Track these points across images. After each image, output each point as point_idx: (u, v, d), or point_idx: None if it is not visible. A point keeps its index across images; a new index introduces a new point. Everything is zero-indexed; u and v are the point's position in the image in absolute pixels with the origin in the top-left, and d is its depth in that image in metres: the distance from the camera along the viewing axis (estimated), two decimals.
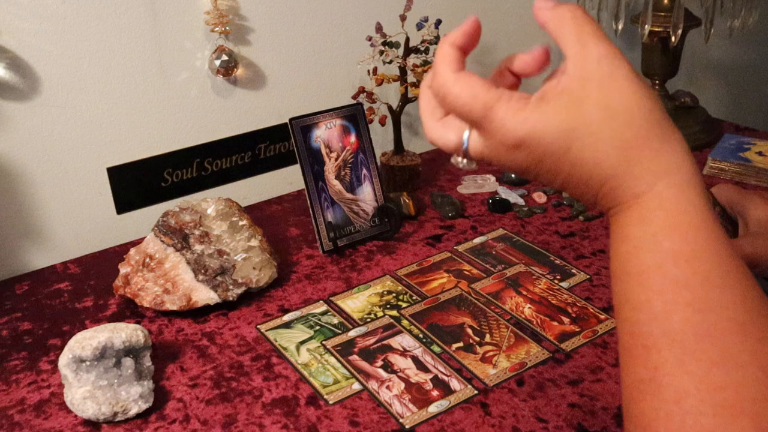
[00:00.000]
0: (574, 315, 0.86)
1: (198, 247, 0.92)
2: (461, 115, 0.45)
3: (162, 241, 0.92)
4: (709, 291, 0.38)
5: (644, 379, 0.39)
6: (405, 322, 0.86)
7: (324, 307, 0.90)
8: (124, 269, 0.91)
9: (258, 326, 0.86)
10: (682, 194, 0.40)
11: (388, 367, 0.79)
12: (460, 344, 0.82)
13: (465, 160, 0.48)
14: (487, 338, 0.83)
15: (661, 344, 0.38)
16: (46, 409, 0.75)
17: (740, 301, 0.38)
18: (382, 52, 1.10)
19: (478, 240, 1.04)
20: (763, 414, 0.36)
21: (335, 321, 0.87)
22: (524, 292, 0.91)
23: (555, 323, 0.85)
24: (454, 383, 0.76)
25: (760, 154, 1.20)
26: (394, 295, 0.92)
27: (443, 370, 0.78)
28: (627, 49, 1.56)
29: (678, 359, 0.38)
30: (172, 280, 0.89)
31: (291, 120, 1.00)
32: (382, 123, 1.16)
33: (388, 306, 0.89)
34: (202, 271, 0.89)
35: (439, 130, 0.48)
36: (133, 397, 0.73)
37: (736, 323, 0.38)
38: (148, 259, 0.91)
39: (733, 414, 0.36)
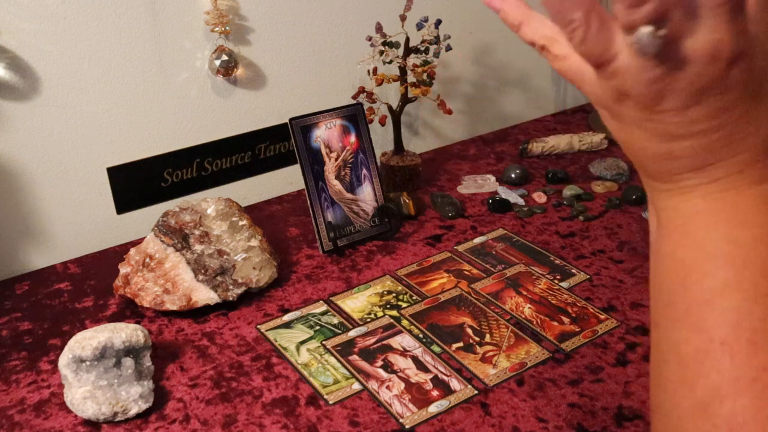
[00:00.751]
0: (574, 315, 0.86)
1: (198, 247, 0.92)
2: None
3: (162, 241, 0.92)
4: None
5: (744, 377, 0.36)
6: (405, 322, 0.86)
7: (324, 307, 0.90)
8: (124, 269, 0.91)
9: (258, 326, 0.86)
10: None
11: (388, 367, 0.79)
12: (460, 344, 0.82)
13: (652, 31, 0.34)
14: (487, 338, 0.83)
15: None
16: (46, 409, 0.75)
17: None
18: (382, 52, 1.10)
19: (478, 240, 1.04)
20: None
21: (335, 321, 0.87)
22: (524, 292, 0.91)
23: (555, 323, 0.85)
24: (454, 383, 0.76)
25: None
26: (394, 295, 0.92)
27: (443, 370, 0.78)
28: None
29: None
30: (172, 280, 0.89)
31: (291, 120, 1.00)
32: (382, 123, 1.16)
33: (388, 306, 0.89)
34: (202, 271, 0.89)
35: None
36: (133, 397, 0.73)
37: None
38: (148, 259, 0.91)
39: None
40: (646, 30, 0.33)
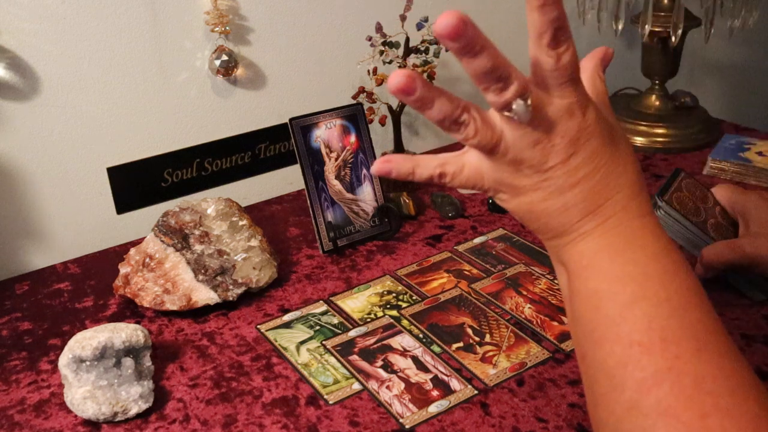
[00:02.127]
0: None
1: (198, 247, 0.92)
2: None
3: (162, 241, 0.92)
4: (705, 297, 0.46)
5: (662, 368, 0.42)
6: (405, 322, 0.86)
7: (324, 307, 0.90)
8: (124, 269, 0.91)
9: (258, 326, 0.86)
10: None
11: (388, 367, 0.79)
12: (460, 344, 0.82)
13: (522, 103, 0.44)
14: (487, 338, 0.83)
15: (681, 336, 0.43)
16: (46, 409, 0.75)
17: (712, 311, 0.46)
18: (382, 52, 1.10)
19: (478, 240, 1.04)
20: (765, 396, 0.42)
21: (335, 321, 0.87)
22: (524, 292, 0.91)
23: (555, 323, 0.85)
24: (454, 383, 0.76)
25: (760, 154, 1.20)
26: (394, 295, 0.92)
27: (443, 370, 0.78)
28: (627, 49, 1.56)
29: (695, 348, 0.42)
30: (172, 280, 0.89)
31: (291, 120, 1.00)
32: (382, 123, 1.16)
33: (388, 306, 0.89)
34: (202, 271, 0.89)
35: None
36: (133, 397, 0.73)
37: (720, 325, 0.45)
38: (148, 259, 0.91)
39: (744, 395, 0.41)
40: (519, 103, 0.44)
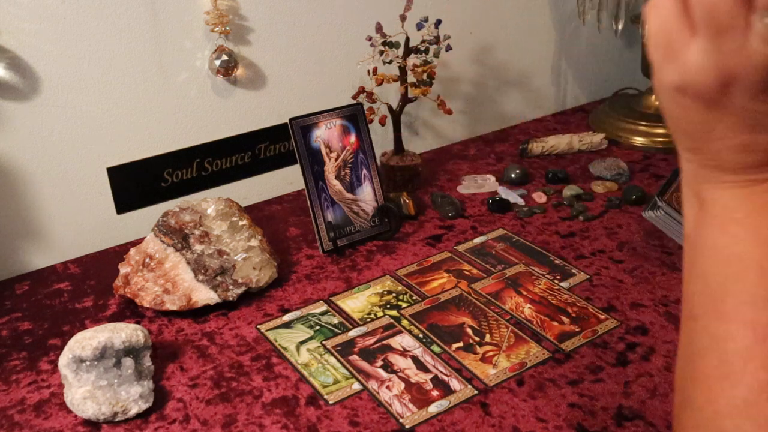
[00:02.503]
0: (574, 315, 0.86)
1: (198, 247, 0.92)
2: None
3: (162, 241, 0.92)
4: None
5: None
6: (405, 322, 0.86)
7: (324, 307, 0.90)
8: (124, 269, 0.91)
9: (258, 326, 0.86)
10: None
11: (388, 367, 0.79)
12: (460, 344, 0.82)
13: None
14: (487, 338, 0.83)
15: None
16: (46, 409, 0.75)
17: None
18: (382, 52, 1.10)
19: (478, 240, 1.04)
20: None
21: (335, 321, 0.87)
22: (524, 292, 0.91)
23: (555, 323, 0.85)
24: (454, 383, 0.76)
25: None
26: (394, 295, 0.92)
27: (443, 370, 0.78)
28: (627, 49, 1.56)
29: None
30: (172, 280, 0.89)
31: (291, 120, 1.00)
32: (382, 123, 1.16)
33: (388, 306, 0.89)
34: (202, 271, 0.89)
35: None
36: (133, 397, 0.73)
37: None
38: (148, 259, 0.91)
39: None
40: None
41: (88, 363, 0.73)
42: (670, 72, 0.37)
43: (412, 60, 1.11)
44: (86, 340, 0.73)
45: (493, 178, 1.20)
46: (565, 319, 0.85)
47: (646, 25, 0.37)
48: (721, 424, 0.37)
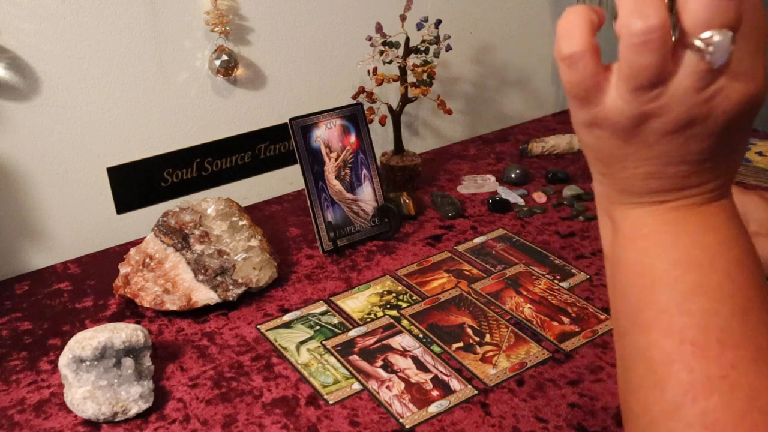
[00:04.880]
0: (574, 315, 0.86)
1: (198, 247, 0.92)
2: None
3: (162, 241, 0.92)
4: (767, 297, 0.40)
5: (714, 376, 0.37)
6: (405, 322, 0.86)
7: (324, 307, 0.90)
8: (124, 269, 0.91)
9: (258, 326, 0.86)
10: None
11: (388, 367, 0.79)
12: (460, 344, 0.82)
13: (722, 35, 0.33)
14: (487, 338, 0.83)
15: (740, 341, 0.37)
16: (46, 409, 0.75)
17: None
18: (382, 52, 1.10)
19: (478, 240, 1.04)
20: None
21: (335, 321, 0.87)
22: (524, 292, 0.91)
23: (555, 323, 0.85)
24: (454, 383, 0.76)
25: (760, 154, 1.20)
26: (394, 295, 0.92)
27: (443, 370, 0.78)
28: None
29: (753, 358, 0.37)
30: (172, 280, 0.89)
31: (291, 120, 1.00)
32: (382, 123, 1.16)
33: (388, 306, 0.89)
34: (202, 271, 0.89)
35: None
36: (133, 397, 0.73)
37: None
38: (148, 259, 0.91)
39: None
40: (724, 35, 0.32)
41: (88, 363, 0.73)
42: (586, 114, 0.39)
43: (412, 60, 1.11)
44: (86, 340, 0.73)
45: (493, 178, 1.20)
46: (565, 319, 0.85)
47: (561, 75, 0.39)
48: (656, 430, 0.39)
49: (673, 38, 0.35)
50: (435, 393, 0.75)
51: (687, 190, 0.40)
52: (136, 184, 1.07)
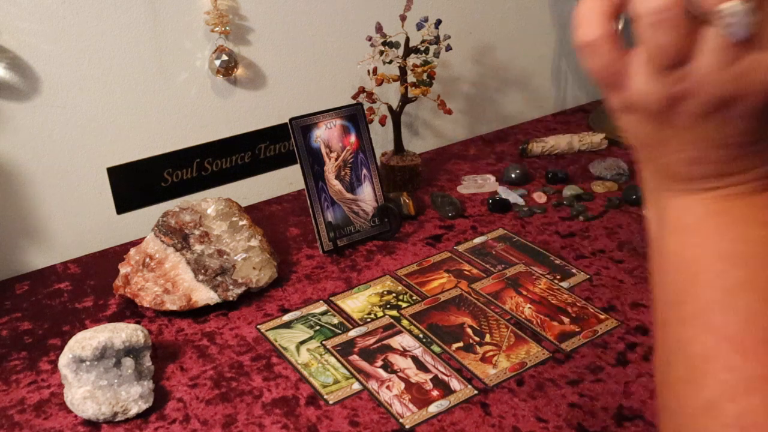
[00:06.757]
0: (574, 315, 0.86)
1: (198, 247, 0.92)
2: None
3: (162, 241, 0.92)
4: None
5: (756, 376, 0.36)
6: (405, 322, 0.86)
7: (324, 307, 0.90)
8: (124, 269, 0.91)
9: (258, 326, 0.86)
10: None
11: (388, 367, 0.79)
12: (460, 344, 0.82)
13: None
14: (487, 338, 0.83)
15: None
16: (46, 409, 0.75)
17: None
18: (382, 52, 1.10)
19: (478, 240, 1.04)
20: None
21: (335, 321, 0.87)
22: (524, 292, 0.91)
23: (555, 323, 0.85)
24: (454, 383, 0.76)
25: None
26: (394, 295, 0.92)
27: (443, 370, 0.78)
28: (627, 48, 1.56)
29: None
30: (172, 280, 0.89)
31: (291, 120, 1.00)
32: (382, 123, 1.16)
33: (388, 306, 0.89)
34: (202, 271, 0.89)
35: None
36: (133, 397, 0.73)
37: None
38: (148, 259, 0.91)
39: None
40: (741, 5, 0.30)
41: (88, 363, 0.73)
42: (616, 99, 0.39)
43: (412, 60, 1.11)
44: (86, 340, 0.73)
45: (493, 178, 1.20)
46: (565, 319, 0.85)
47: (586, 65, 0.39)
48: (692, 428, 0.37)
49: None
50: (435, 393, 0.75)
51: (732, 176, 0.38)
52: (136, 184, 1.07)
